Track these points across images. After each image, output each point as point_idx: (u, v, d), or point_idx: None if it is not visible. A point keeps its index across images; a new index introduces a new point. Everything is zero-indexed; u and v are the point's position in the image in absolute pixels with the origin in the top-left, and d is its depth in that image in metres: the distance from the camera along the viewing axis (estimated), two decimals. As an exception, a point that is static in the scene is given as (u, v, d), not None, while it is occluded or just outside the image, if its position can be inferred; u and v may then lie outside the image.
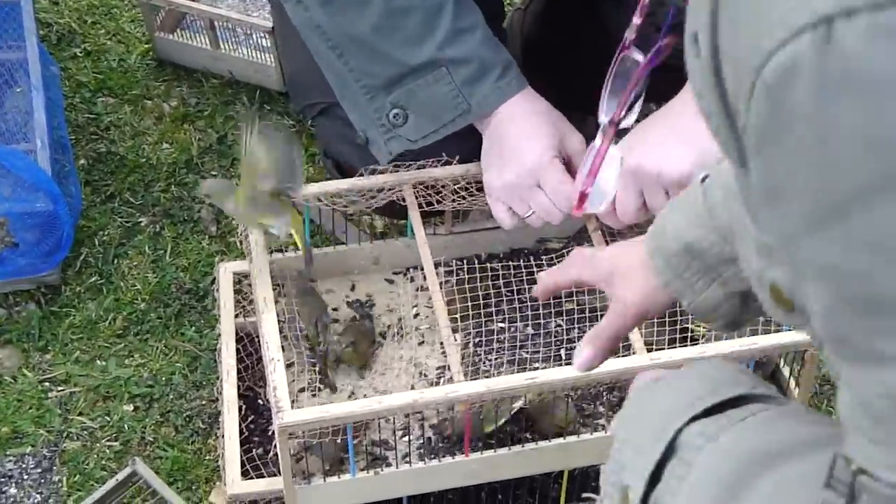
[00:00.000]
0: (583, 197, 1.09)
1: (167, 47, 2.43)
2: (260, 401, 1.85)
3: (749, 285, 0.91)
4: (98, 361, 2.01)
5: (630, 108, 1.11)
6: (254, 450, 1.69)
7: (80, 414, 1.94)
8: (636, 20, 1.13)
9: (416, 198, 1.70)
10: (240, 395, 1.72)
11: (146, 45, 2.47)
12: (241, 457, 1.63)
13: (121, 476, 1.69)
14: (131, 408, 1.95)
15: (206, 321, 2.06)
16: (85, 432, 1.92)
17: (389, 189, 1.71)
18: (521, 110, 1.66)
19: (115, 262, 2.13)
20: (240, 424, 1.67)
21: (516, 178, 1.66)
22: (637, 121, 1.25)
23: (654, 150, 1.58)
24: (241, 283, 1.86)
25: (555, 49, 2.07)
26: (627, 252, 1.17)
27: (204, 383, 1.98)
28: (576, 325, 1.68)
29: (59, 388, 1.97)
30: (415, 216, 1.68)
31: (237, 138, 1.79)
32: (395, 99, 1.66)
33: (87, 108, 2.36)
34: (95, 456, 1.88)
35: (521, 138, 1.66)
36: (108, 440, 1.91)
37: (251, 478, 1.62)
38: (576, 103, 1.74)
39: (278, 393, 1.42)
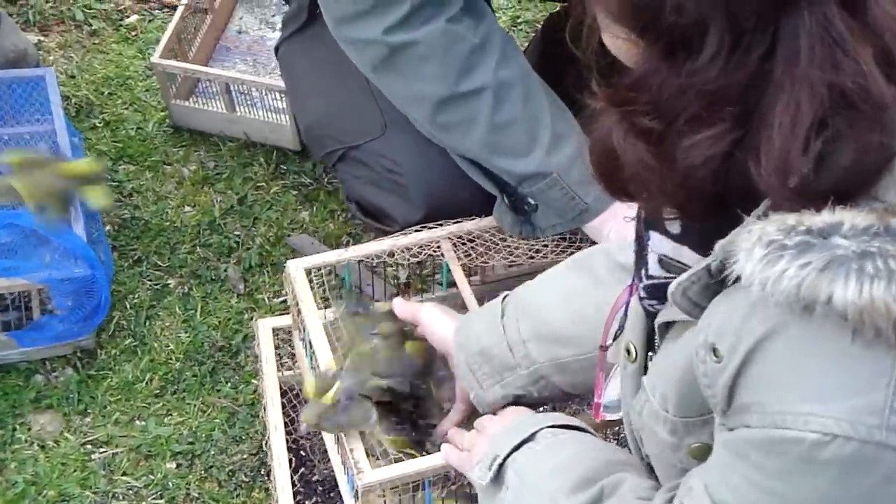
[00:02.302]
0: (598, 406, 1.26)
1: (183, 114, 2.38)
2: (302, 452, 1.80)
3: (519, 390, 1.40)
4: (137, 422, 1.95)
5: (616, 336, 1.21)
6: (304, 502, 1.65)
7: (125, 474, 1.88)
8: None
9: (455, 251, 1.66)
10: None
11: (162, 113, 2.42)
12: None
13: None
14: (174, 465, 1.89)
15: (241, 377, 2.01)
16: (130, 492, 1.86)
17: (427, 244, 1.67)
18: None
19: (147, 323, 2.07)
20: (291, 477, 1.62)
21: None
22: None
23: None
24: (278, 338, 1.82)
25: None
26: None
27: (243, 438, 1.92)
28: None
29: (102, 450, 1.91)
30: (455, 269, 1.64)
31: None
32: (522, 191, 1.66)
33: (110, 176, 2.30)
34: (143, 515, 1.82)
35: None
36: (153, 498, 1.85)
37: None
38: None
39: (355, 454, 1.38)
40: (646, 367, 1.11)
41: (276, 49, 2.04)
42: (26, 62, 2.35)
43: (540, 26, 2.28)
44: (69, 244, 1.88)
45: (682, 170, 0.85)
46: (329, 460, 1.66)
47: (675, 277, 0.99)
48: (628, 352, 1.13)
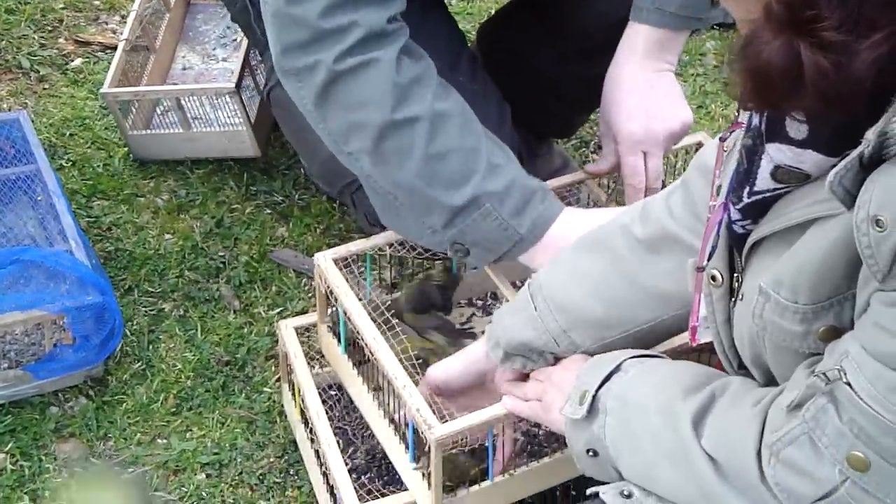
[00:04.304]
0: (693, 329, 1.30)
1: (142, 143, 2.40)
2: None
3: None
4: (159, 440, 1.97)
5: (711, 255, 1.25)
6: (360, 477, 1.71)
7: (157, 490, 1.89)
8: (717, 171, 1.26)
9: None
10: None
11: (125, 148, 2.45)
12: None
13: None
14: (204, 476, 1.92)
15: (253, 387, 2.04)
16: (167, 506, 1.88)
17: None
18: (578, 215, 1.70)
19: (151, 347, 2.10)
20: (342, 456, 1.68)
21: None
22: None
23: (653, 115, 1.79)
24: (302, 336, 1.87)
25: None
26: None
27: (266, 443, 1.96)
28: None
29: (130, 470, 1.92)
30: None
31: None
32: (451, 237, 1.68)
33: (86, 212, 2.31)
34: (184, 526, 1.84)
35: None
36: (190, 509, 1.87)
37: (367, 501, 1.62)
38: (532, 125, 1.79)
39: (423, 412, 1.44)
40: (731, 289, 1.20)
41: (268, 94, 2.07)
42: (-13, 110, 2.35)
43: (474, 37, 2.34)
44: (80, 273, 1.90)
45: (850, 72, 0.94)
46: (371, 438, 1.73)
47: (786, 188, 1.09)
48: (713, 278, 1.22)
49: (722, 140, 1.21)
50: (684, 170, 1.98)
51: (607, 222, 1.50)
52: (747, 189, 1.14)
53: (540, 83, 2.06)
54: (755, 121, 1.11)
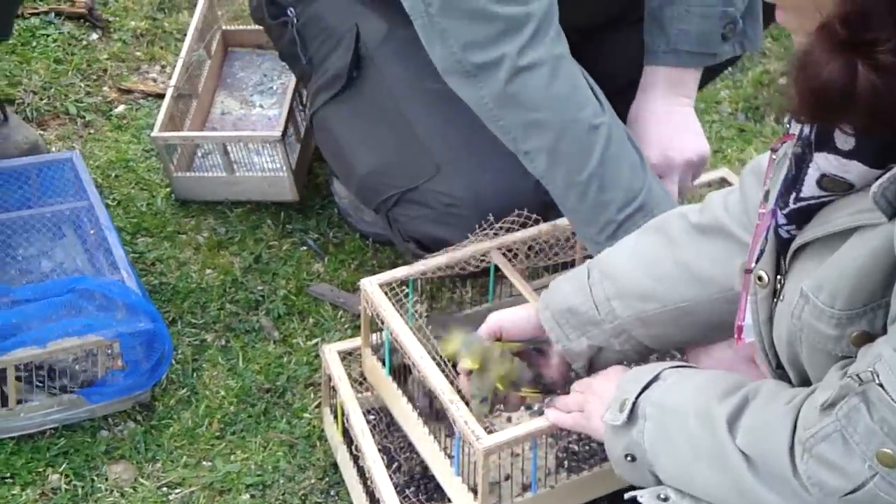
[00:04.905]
0: (740, 329, 1.38)
1: (186, 185, 2.49)
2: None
3: (602, 343, 1.55)
4: (205, 462, 2.03)
5: (759, 258, 1.32)
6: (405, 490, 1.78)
7: (203, 509, 1.95)
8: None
9: (508, 259, 1.81)
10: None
11: (167, 189, 2.53)
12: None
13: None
14: (248, 496, 1.98)
15: (293, 413, 2.11)
16: (213, 524, 1.93)
17: (481, 257, 1.82)
18: None
19: (195, 375, 2.17)
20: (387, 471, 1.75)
21: None
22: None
23: (669, 146, 1.88)
24: (343, 362, 1.94)
25: None
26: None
27: (307, 466, 2.02)
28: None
29: (178, 491, 1.98)
30: (512, 275, 1.79)
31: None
32: (619, 234, 1.73)
33: (131, 248, 2.39)
34: (230, 543, 1.90)
35: None
36: (236, 527, 1.93)
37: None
38: None
39: (471, 425, 1.50)
40: (775, 291, 1.27)
41: (311, 118, 2.16)
42: (38, 152, 2.44)
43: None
44: (132, 301, 1.97)
45: None
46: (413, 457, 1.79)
47: (831, 196, 1.17)
48: (760, 278, 1.29)
49: (773, 150, 1.29)
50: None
51: (669, 211, 1.61)
52: (794, 195, 1.21)
53: None
54: (806, 130, 1.19)
